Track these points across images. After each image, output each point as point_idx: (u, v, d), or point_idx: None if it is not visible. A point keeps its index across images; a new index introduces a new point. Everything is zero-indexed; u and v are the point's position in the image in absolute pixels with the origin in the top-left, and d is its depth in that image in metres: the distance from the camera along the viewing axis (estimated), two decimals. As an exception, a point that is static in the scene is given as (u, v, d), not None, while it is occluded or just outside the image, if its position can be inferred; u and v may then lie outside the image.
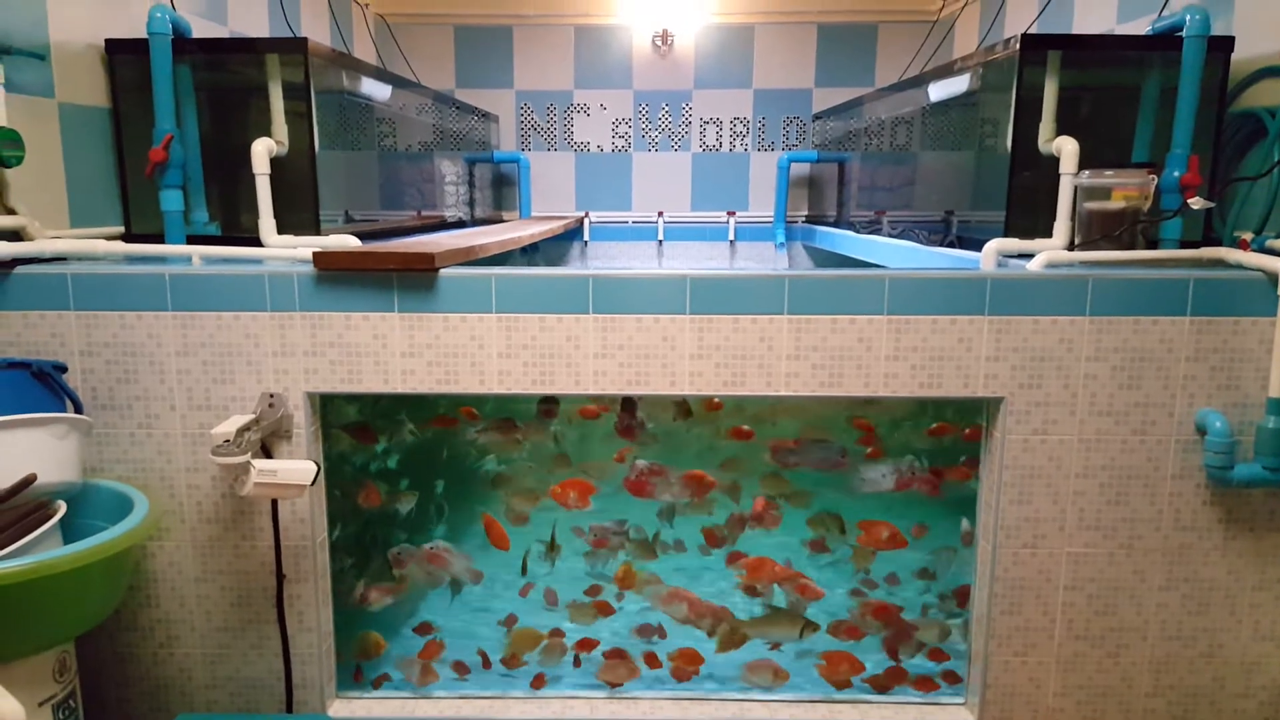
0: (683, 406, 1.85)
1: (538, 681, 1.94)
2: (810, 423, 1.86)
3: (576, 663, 1.95)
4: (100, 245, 1.82)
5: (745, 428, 1.87)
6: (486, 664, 1.95)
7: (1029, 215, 1.99)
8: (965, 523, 1.87)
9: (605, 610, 1.93)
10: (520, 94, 4.28)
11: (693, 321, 1.68)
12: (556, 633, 1.94)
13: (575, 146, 4.32)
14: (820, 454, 1.85)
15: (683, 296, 1.67)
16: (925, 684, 1.91)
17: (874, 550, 1.88)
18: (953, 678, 1.91)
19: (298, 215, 2.14)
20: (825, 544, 1.89)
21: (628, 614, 1.94)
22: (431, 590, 1.96)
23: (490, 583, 1.94)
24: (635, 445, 1.86)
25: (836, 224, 3.71)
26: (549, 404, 1.86)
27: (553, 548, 1.91)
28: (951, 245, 2.32)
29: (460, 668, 1.95)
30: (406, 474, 1.93)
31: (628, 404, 1.84)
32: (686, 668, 1.94)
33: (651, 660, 1.94)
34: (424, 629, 1.96)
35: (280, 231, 2.08)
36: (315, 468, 1.59)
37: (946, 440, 1.85)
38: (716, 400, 1.84)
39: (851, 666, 1.91)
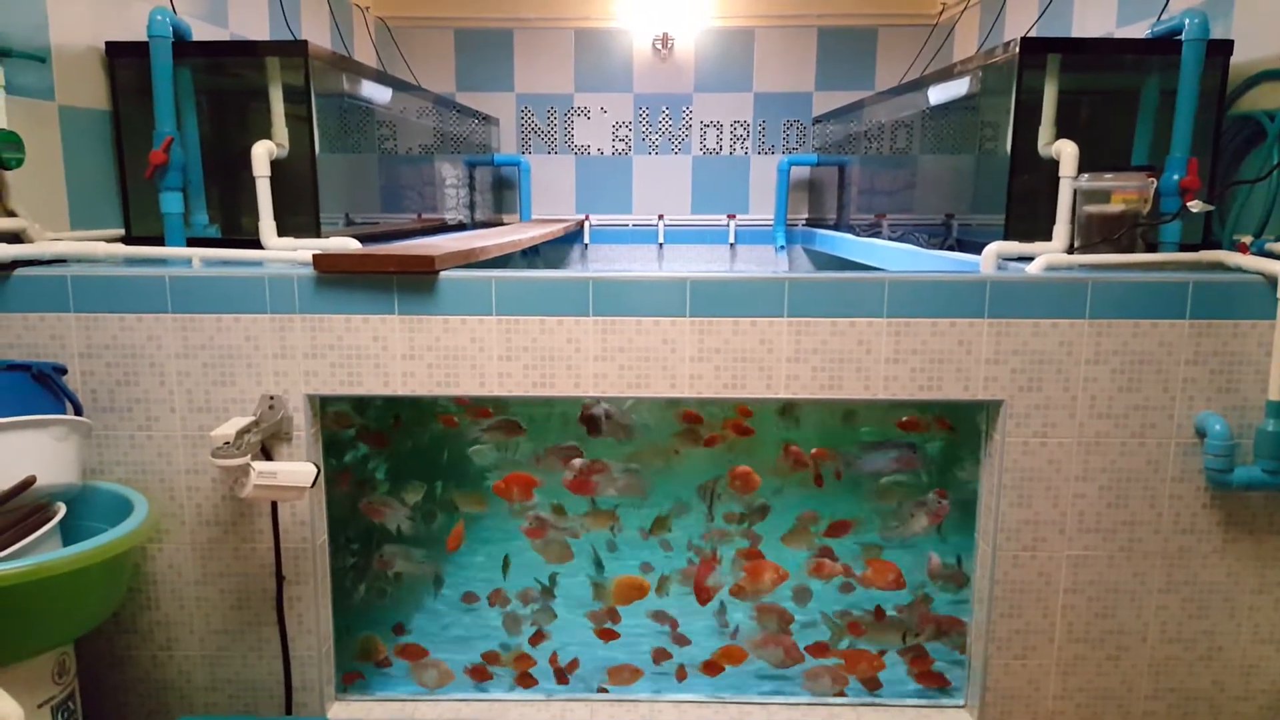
0: (689, 434, 1.85)
1: (540, 682, 1.94)
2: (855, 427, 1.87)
3: (576, 669, 1.95)
4: (100, 248, 1.82)
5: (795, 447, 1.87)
6: (485, 674, 1.95)
7: (1029, 218, 1.99)
8: (934, 556, 1.88)
9: (613, 617, 1.93)
10: (521, 97, 4.28)
11: (693, 324, 1.68)
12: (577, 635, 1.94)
13: (576, 149, 4.32)
14: (892, 454, 1.85)
15: (683, 299, 1.67)
16: (928, 678, 1.91)
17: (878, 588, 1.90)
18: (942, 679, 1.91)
19: (298, 218, 2.14)
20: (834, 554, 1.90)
21: (632, 616, 1.94)
22: (426, 593, 1.96)
23: (492, 581, 1.94)
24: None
25: (836, 227, 3.71)
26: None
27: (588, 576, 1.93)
28: (951, 248, 2.32)
29: (460, 670, 1.94)
30: (405, 476, 1.93)
31: (591, 420, 1.84)
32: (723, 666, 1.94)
33: (668, 660, 1.95)
34: (418, 631, 1.96)
35: (280, 234, 2.08)
36: (315, 470, 1.59)
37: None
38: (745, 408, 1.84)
39: (870, 665, 1.91)
